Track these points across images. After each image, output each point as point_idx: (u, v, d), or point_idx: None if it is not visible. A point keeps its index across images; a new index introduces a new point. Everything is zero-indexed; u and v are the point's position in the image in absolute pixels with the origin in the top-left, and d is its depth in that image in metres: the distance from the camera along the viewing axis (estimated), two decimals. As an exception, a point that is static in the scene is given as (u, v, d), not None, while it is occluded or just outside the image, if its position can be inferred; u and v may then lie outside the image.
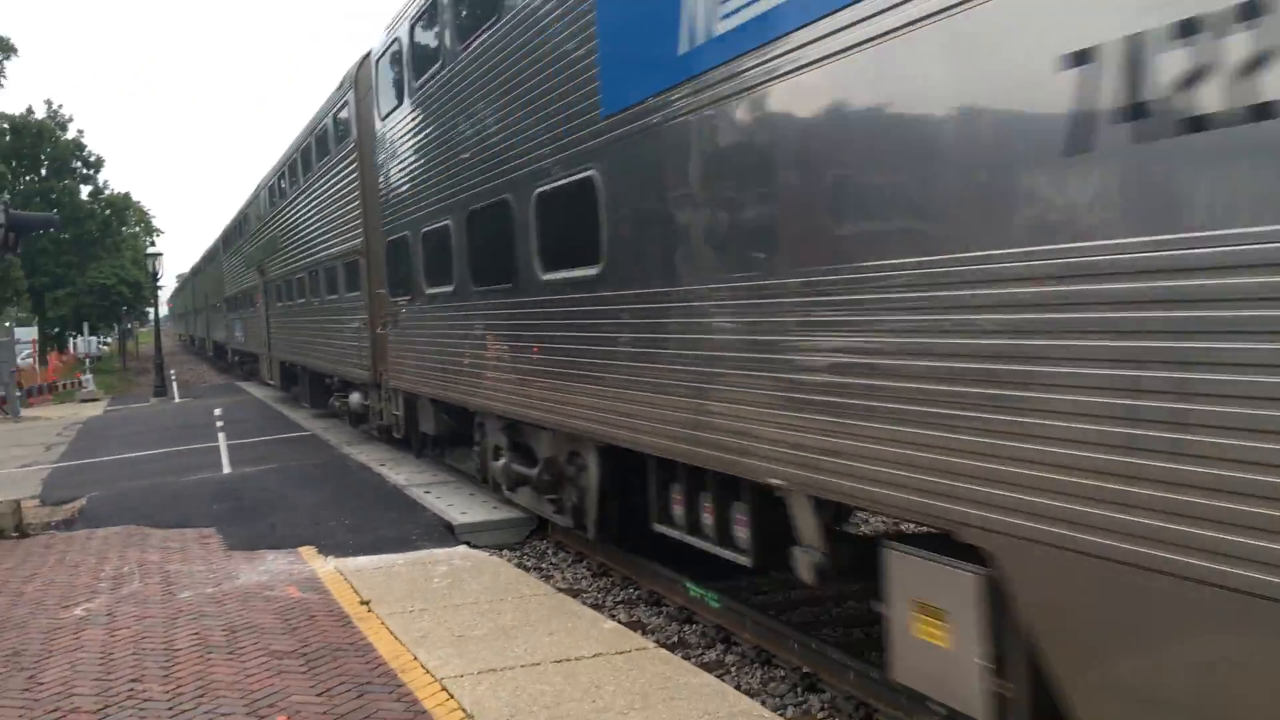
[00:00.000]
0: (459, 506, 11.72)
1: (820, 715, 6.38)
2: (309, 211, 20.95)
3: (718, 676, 6.57)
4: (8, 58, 40.74)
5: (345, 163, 17.05)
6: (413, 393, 14.00)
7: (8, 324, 38.73)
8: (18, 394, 29.54)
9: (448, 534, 10.69)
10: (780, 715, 5.95)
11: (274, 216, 26.03)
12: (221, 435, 17.31)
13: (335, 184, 17.98)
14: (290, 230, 23.43)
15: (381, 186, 14.52)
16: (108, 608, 8.32)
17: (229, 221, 39.62)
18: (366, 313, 16.09)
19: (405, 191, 13.28)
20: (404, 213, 13.28)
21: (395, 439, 15.87)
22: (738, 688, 6.53)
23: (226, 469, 15.80)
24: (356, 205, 16.33)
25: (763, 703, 6.30)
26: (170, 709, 6.00)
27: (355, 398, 18.23)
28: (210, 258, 50.13)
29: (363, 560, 9.56)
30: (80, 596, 8.75)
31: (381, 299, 14.89)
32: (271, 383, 28.90)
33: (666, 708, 5.67)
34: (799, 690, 6.73)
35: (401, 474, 14.24)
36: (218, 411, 18.11)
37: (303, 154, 21.56)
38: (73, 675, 6.72)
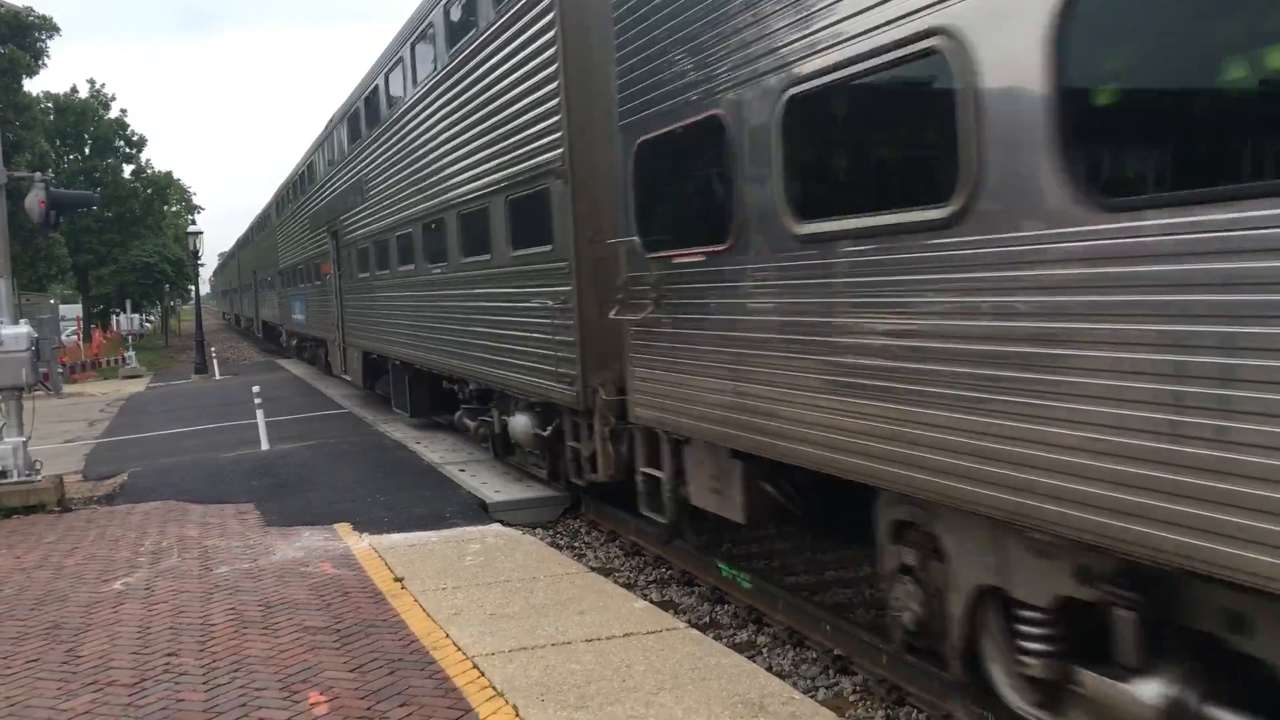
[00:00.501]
0: (493, 485, 11.76)
1: (852, 698, 6.34)
2: (435, 129, 13.57)
3: (749, 657, 6.56)
4: (50, 37, 41.06)
5: (523, 25, 10.22)
6: (706, 438, 7.30)
7: (52, 300, 39.26)
8: (60, 370, 29.94)
9: (481, 512, 10.73)
10: (811, 697, 5.92)
11: (362, 153, 18.87)
12: (260, 412, 17.42)
13: (500, 70, 10.91)
14: (391, 165, 16.25)
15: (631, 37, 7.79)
16: (146, 582, 8.43)
17: (284, 180, 33.76)
18: (570, 281, 9.47)
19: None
20: (706, 66, 6.70)
21: (642, 515, 8.79)
22: (769, 669, 6.51)
23: (265, 445, 15.94)
24: (551, 91, 9.65)
25: (794, 684, 6.27)
26: (205, 683, 6.07)
27: (521, 422, 11.22)
28: (260, 226, 44.29)
29: (397, 537, 9.61)
30: (119, 571, 8.86)
31: (606, 258, 8.77)
32: (348, 378, 22.80)
33: (696, 688, 5.65)
34: (830, 672, 6.70)
35: (436, 452, 14.30)
36: (256, 389, 18.20)
37: (420, 43, 14.49)
38: (111, 648, 6.81)
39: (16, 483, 11.94)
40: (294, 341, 35.20)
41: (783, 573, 8.58)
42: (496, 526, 10.09)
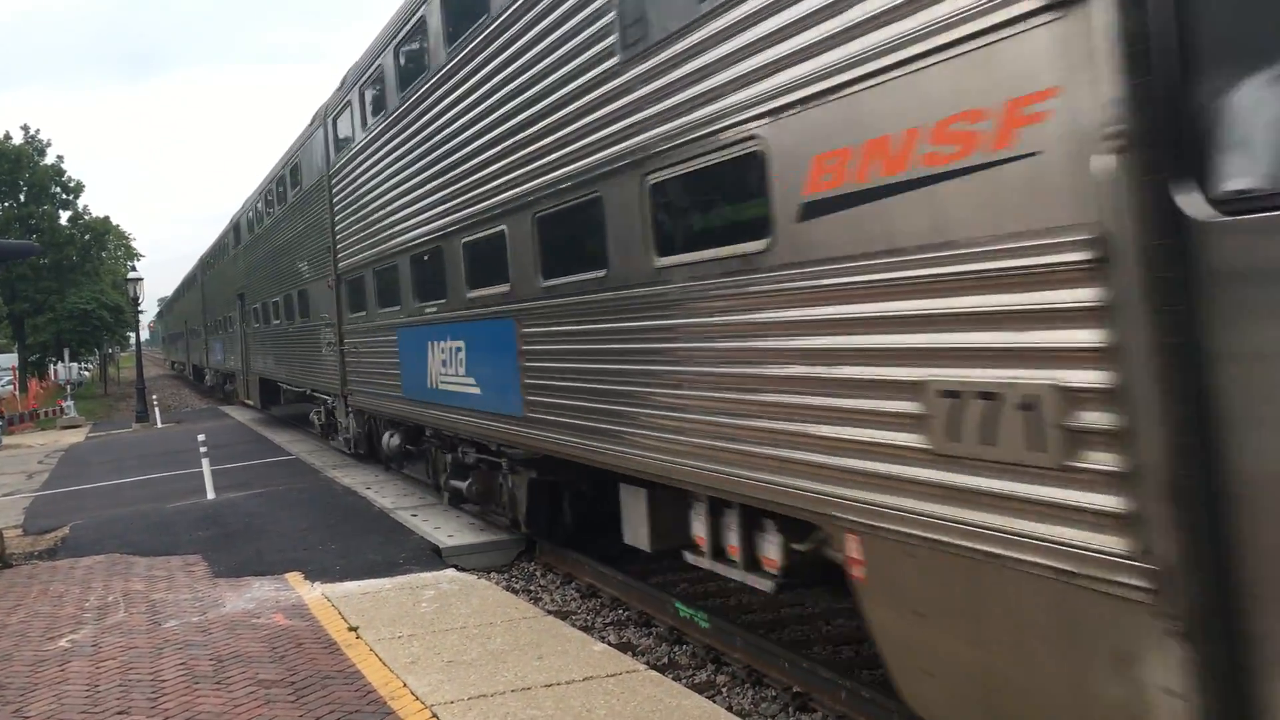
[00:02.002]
0: (446, 529, 11.68)
1: (812, 735, 6.37)
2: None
3: (709, 697, 6.57)
4: (-15, 84, 40.48)
5: None
6: None
7: (-12, 351, 38.40)
8: (0, 422, 29.31)
9: (435, 557, 10.64)
10: (772, 736, 5.93)
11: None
12: (205, 460, 17.22)
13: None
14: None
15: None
16: (93, 638, 8.26)
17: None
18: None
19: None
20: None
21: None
22: (729, 708, 6.52)
23: (211, 494, 15.71)
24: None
25: (754, 723, 6.29)
26: (158, 741, 5.96)
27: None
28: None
29: (350, 585, 9.50)
30: (65, 627, 8.67)
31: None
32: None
33: (658, 731, 5.65)
34: (790, 710, 6.72)
35: (387, 497, 14.17)
36: (201, 436, 18.03)
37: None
38: (59, 709, 6.66)
39: (-46, 539, 11.64)
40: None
41: (740, 611, 8.60)
42: (451, 572, 10.02)
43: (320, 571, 10.10)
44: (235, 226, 31.16)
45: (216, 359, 39.57)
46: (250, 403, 30.54)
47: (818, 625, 8.11)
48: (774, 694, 6.98)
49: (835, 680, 6.51)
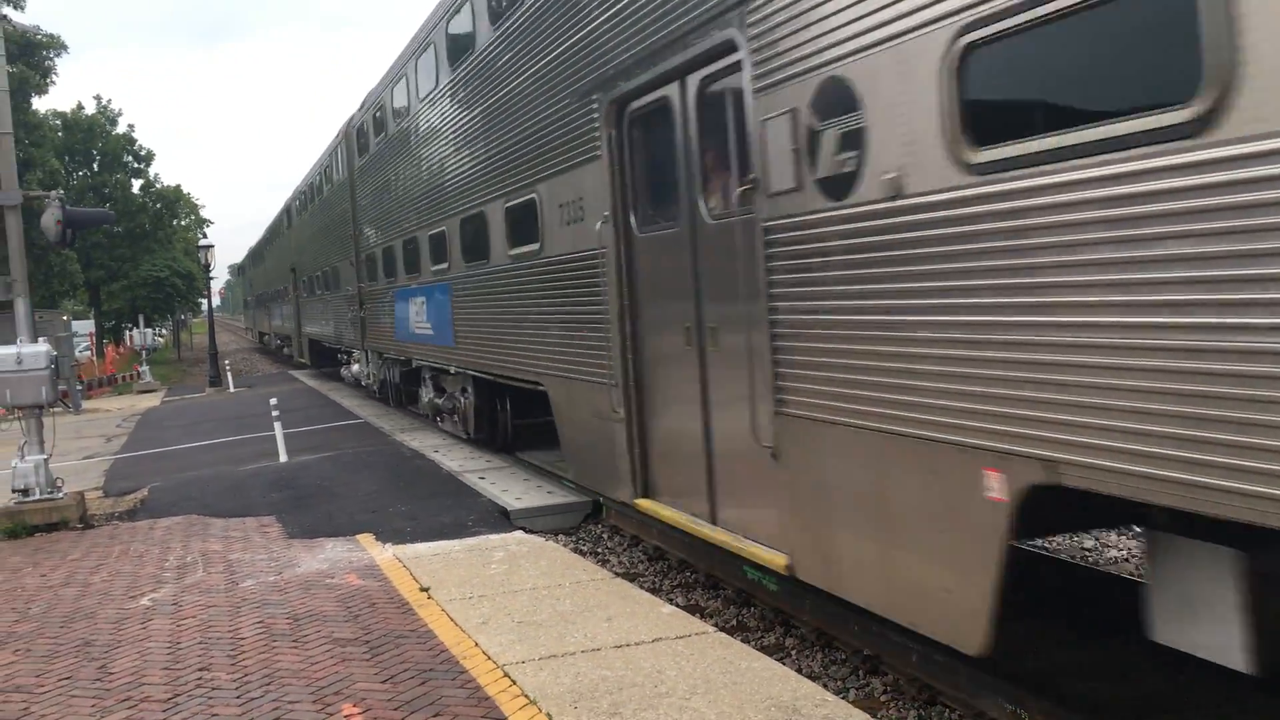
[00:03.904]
0: (513, 492, 11.78)
1: (883, 698, 6.35)
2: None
3: (778, 660, 6.56)
4: (58, 55, 41.20)
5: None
6: None
7: (66, 317, 39.41)
8: (79, 387, 30.08)
9: (503, 519, 10.75)
10: (842, 698, 5.92)
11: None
12: (277, 424, 17.50)
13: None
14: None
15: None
16: (173, 597, 8.47)
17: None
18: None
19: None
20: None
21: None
22: (799, 671, 6.52)
23: (283, 457, 16.00)
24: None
25: (824, 686, 6.27)
26: (239, 697, 6.10)
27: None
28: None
29: (420, 547, 9.63)
30: (146, 586, 8.90)
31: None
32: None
33: (729, 692, 5.66)
34: (861, 673, 6.70)
35: (455, 460, 14.33)
36: (273, 401, 18.31)
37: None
38: (143, 665, 6.84)
39: (39, 500, 11.99)
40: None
41: (807, 574, 8.57)
42: (519, 534, 10.11)
43: (391, 533, 10.25)
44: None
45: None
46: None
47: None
48: (844, 657, 6.96)
49: (906, 644, 6.47)
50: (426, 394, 17.52)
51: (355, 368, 24.84)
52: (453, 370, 15.24)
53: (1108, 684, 6.30)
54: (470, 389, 14.78)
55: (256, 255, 57.38)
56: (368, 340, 22.19)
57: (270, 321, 50.61)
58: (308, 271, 31.71)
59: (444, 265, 14.94)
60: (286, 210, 36.97)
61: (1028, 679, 6.27)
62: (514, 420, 14.12)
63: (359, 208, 21.92)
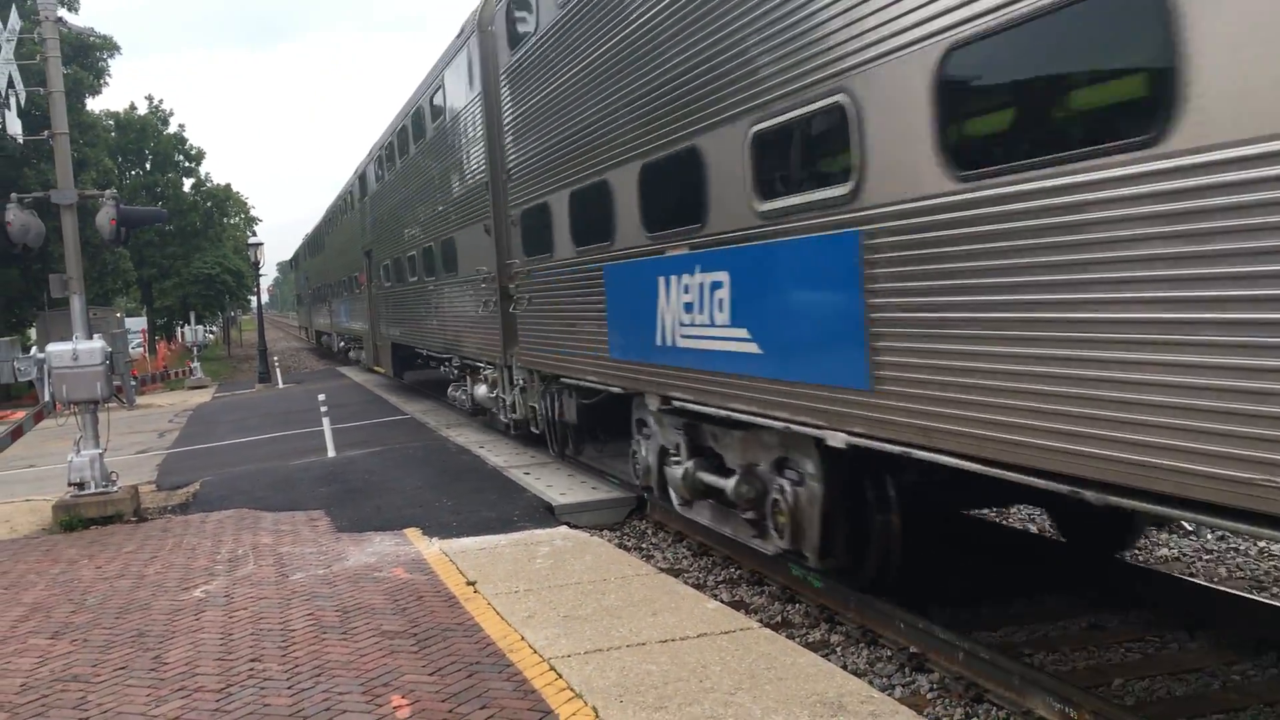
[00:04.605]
0: (558, 487, 11.83)
1: (930, 695, 6.31)
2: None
3: (823, 656, 6.55)
4: (111, 56, 41.86)
5: None
6: None
7: (119, 314, 40.08)
8: (133, 383, 30.58)
9: (548, 515, 10.80)
10: (888, 695, 5.90)
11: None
12: (325, 420, 17.73)
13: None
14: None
15: None
16: (225, 589, 8.60)
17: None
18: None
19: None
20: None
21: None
22: (844, 667, 6.50)
23: (331, 452, 16.19)
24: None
25: (870, 682, 6.25)
26: (290, 687, 6.19)
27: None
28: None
29: (466, 541, 9.71)
30: (198, 578, 9.05)
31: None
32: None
33: (774, 688, 5.66)
34: (906, 670, 6.67)
35: (500, 456, 14.42)
36: (321, 396, 18.55)
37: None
38: (196, 655, 6.96)
39: (94, 494, 12.22)
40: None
41: (851, 572, 8.54)
42: (564, 529, 10.16)
43: (437, 527, 10.34)
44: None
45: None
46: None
47: (932, 586, 8.01)
48: (889, 654, 6.94)
49: (953, 642, 6.44)
50: (683, 466, 9.10)
51: (480, 390, 16.40)
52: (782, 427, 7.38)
53: (1161, 681, 6.25)
54: (814, 469, 7.35)
55: (314, 243, 48.67)
56: (519, 351, 13.57)
57: (333, 319, 40.80)
58: (392, 253, 23.36)
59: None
60: (359, 177, 28.70)
61: (1077, 677, 6.22)
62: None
63: (515, 135, 13.06)
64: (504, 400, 14.90)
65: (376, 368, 28.69)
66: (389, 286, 24.09)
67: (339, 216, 35.25)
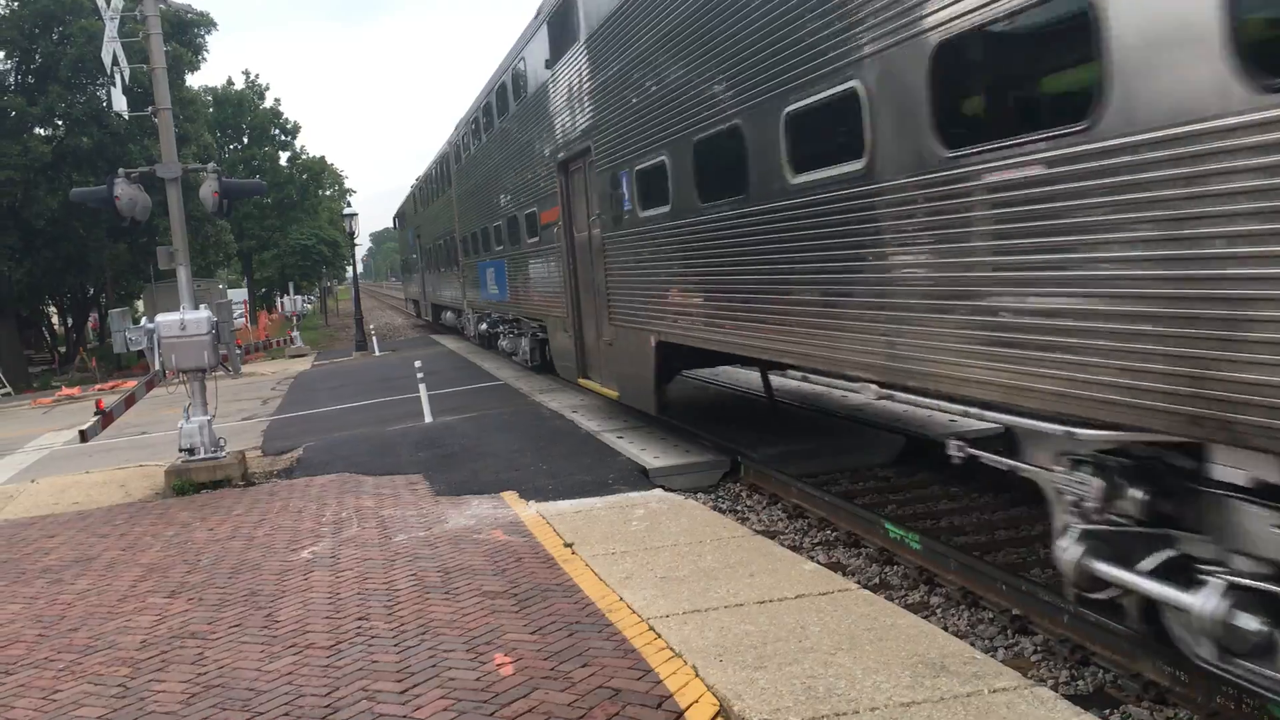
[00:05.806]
0: (651, 451, 11.89)
1: (1034, 657, 6.23)
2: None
3: (923, 618, 6.50)
4: (209, 33, 42.81)
5: None
6: None
7: (221, 285, 41.22)
8: (238, 351, 31.46)
9: (642, 478, 10.87)
10: (991, 657, 5.83)
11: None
12: (422, 386, 18.04)
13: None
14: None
15: None
16: (331, 550, 8.84)
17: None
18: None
19: None
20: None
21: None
22: (945, 629, 6.44)
23: (428, 418, 16.48)
24: None
25: (971, 644, 6.18)
26: (396, 645, 6.35)
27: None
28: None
29: (562, 504, 9.82)
30: (305, 540, 9.31)
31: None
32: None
33: (874, 648, 5.63)
34: (1009, 632, 6.58)
35: (593, 420, 14.53)
36: (417, 364, 18.87)
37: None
38: (305, 613, 7.18)
39: (204, 459, 12.64)
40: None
41: (951, 533, 8.46)
42: (658, 492, 10.21)
43: (534, 491, 10.47)
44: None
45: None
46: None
47: (1035, 548, 7.88)
48: (991, 616, 6.86)
49: (1056, 604, 6.33)
50: None
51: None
52: None
53: None
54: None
55: (426, 188, 36.62)
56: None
57: (467, 291, 27.89)
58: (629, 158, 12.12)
59: None
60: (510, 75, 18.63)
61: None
62: None
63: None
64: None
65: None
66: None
67: (473, 150, 24.36)
